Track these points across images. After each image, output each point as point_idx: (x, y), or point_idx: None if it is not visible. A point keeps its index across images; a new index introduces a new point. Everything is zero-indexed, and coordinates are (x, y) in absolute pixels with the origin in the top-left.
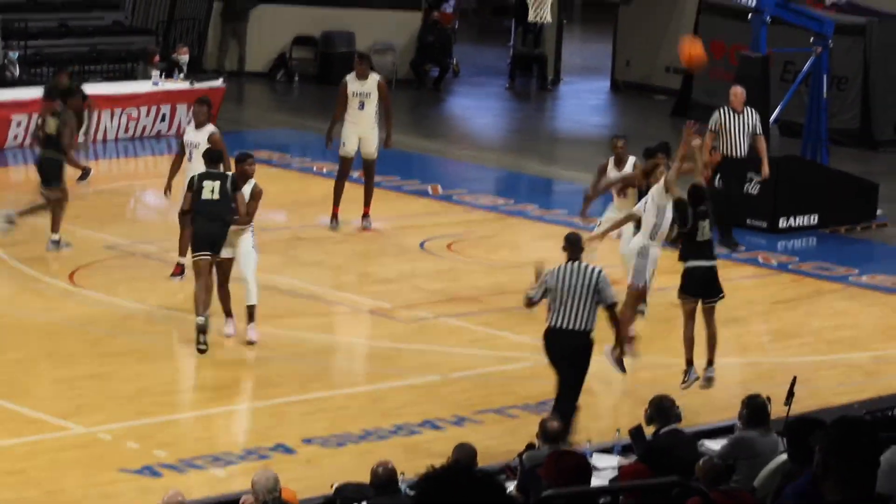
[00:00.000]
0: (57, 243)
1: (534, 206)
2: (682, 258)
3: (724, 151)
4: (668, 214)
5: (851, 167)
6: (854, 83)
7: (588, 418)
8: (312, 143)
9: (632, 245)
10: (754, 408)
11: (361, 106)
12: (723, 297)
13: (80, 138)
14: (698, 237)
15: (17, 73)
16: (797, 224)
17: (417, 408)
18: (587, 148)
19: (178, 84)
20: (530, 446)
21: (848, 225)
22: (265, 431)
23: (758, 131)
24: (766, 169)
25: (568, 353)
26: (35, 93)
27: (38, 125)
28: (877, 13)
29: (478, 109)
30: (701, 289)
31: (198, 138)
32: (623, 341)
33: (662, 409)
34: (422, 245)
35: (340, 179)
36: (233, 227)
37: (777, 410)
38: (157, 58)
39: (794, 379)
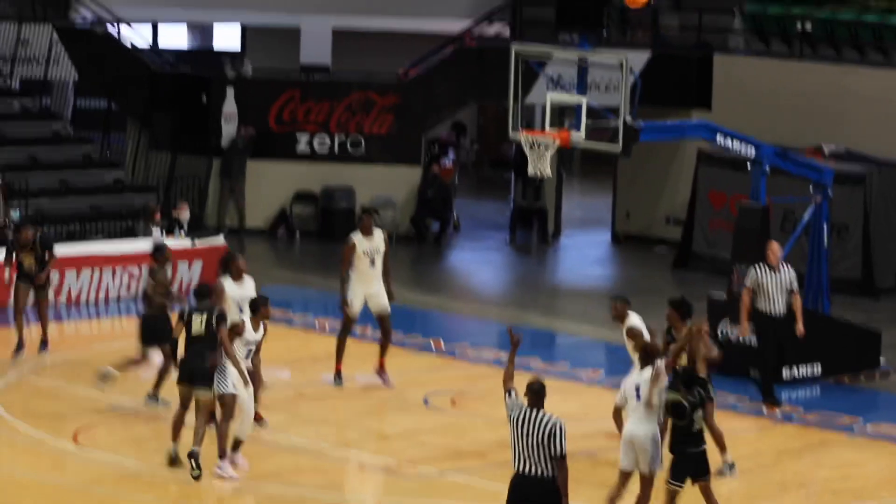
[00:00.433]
0: (155, 398)
1: (537, 360)
2: (675, 447)
3: (762, 308)
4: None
5: (854, 316)
6: (855, 232)
7: None
8: (314, 299)
9: (644, 433)
10: None
11: (372, 263)
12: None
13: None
14: (694, 428)
15: None
16: (801, 374)
17: None
18: (589, 300)
19: (180, 241)
20: None
21: (851, 374)
22: None
23: (794, 288)
24: (800, 327)
25: (532, 500)
26: None
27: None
28: (876, 162)
29: (479, 263)
30: (692, 473)
31: (244, 292)
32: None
33: None
34: (425, 400)
35: (344, 336)
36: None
37: None
38: (158, 215)
39: None
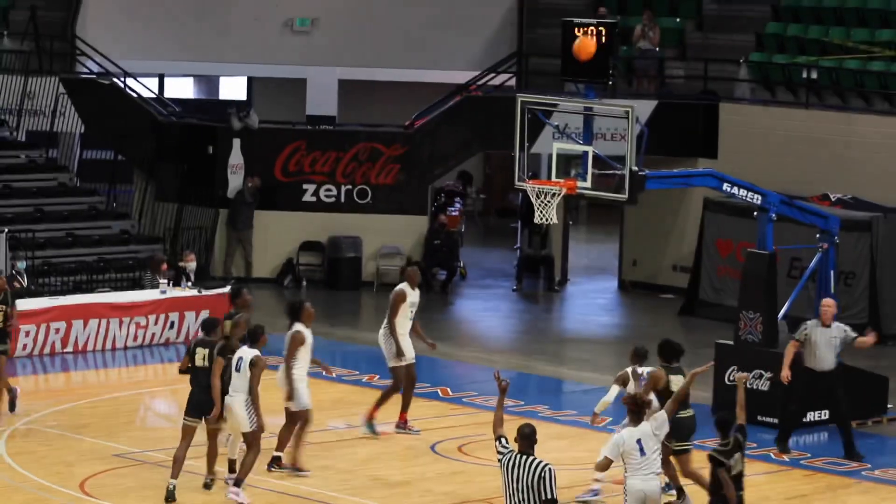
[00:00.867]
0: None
1: (544, 407)
2: (716, 492)
3: (809, 364)
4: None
5: (861, 362)
6: (861, 278)
7: None
8: (321, 347)
9: (656, 487)
10: None
11: (412, 315)
12: None
13: None
14: (732, 472)
15: (25, 283)
16: (808, 419)
17: None
18: (596, 348)
19: (186, 291)
20: None
21: (859, 420)
22: None
23: (847, 340)
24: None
25: None
26: (43, 303)
27: None
28: (882, 208)
29: (486, 312)
30: None
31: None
32: None
33: None
34: (433, 448)
35: (397, 390)
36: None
37: None
38: (165, 266)
39: None
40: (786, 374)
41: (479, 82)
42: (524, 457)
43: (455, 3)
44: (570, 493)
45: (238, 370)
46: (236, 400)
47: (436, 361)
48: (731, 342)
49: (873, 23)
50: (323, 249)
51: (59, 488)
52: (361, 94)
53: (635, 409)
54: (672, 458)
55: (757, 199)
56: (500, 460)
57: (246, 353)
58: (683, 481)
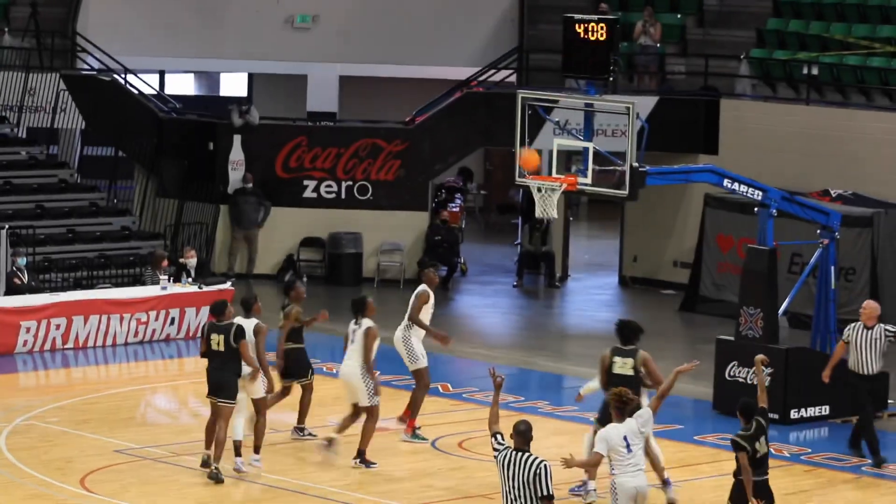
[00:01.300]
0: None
1: (545, 403)
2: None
3: (852, 367)
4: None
5: None
6: (862, 274)
7: None
8: (322, 343)
9: (646, 483)
10: None
11: (430, 317)
12: None
13: None
14: (757, 455)
15: (26, 279)
16: (808, 415)
17: None
18: (596, 344)
19: (187, 288)
20: None
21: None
22: None
23: (887, 345)
24: None
25: None
26: (44, 299)
27: None
28: (883, 204)
29: (486, 308)
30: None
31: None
32: None
33: None
34: (433, 443)
35: (426, 390)
36: (247, 372)
37: None
38: (165, 262)
39: None
40: (826, 373)
41: (480, 78)
42: (520, 453)
43: None
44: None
45: (353, 342)
46: (355, 372)
47: (436, 357)
48: (731, 338)
49: (874, 19)
50: (324, 245)
51: (59, 484)
52: (362, 91)
53: (620, 407)
54: None
55: (757, 194)
56: (495, 457)
57: (246, 322)
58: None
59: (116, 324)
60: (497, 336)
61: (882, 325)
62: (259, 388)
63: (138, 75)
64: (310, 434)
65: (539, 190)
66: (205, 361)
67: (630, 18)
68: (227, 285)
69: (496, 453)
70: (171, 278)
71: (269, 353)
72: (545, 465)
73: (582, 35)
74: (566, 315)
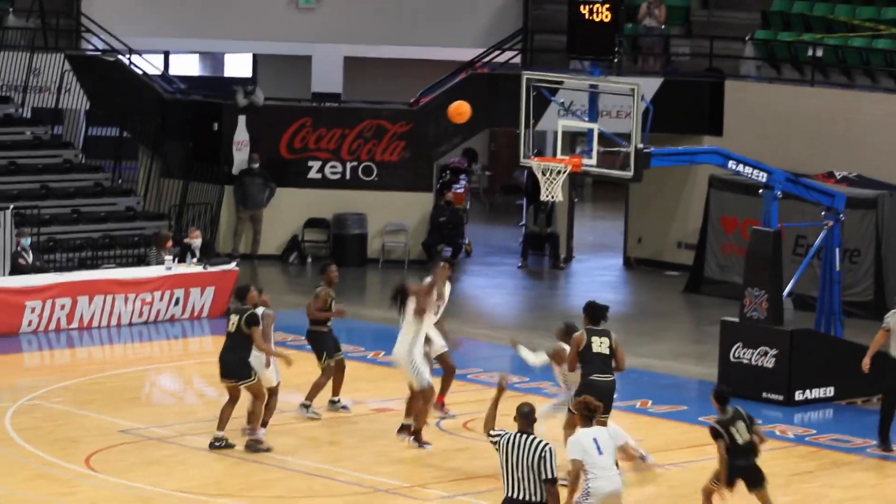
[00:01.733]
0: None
1: (549, 384)
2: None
3: (892, 353)
4: None
5: (866, 339)
6: (867, 256)
7: None
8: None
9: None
10: None
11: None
12: None
13: None
14: (737, 442)
15: (31, 259)
16: (813, 396)
17: None
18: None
19: (191, 268)
20: None
21: (864, 397)
22: None
23: None
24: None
25: None
26: (49, 279)
27: None
28: (888, 186)
29: (491, 288)
30: (747, 484)
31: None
32: None
33: None
34: (438, 424)
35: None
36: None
37: None
38: (170, 242)
39: None
40: (866, 362)
41: (485, 59)
42: (524, 436)
43: None
44: None
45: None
46: (401, 356)
47: None
48: (736, 319)
49: (879, 1)
50: (328, 226)
51: (64, 464)
52: (367, 72)
53: (588, 415)
54: None
55: (762, 176)
56: (496, 443)
57: (258, 310)
58: None
59: (121, 304)
60: (501, 317)
61: None
62: (272, 377)
63: (143, 56)
64: (314, 413)
65: (543, 172)
66: (209, 342)
67: (635, 0)
68: (232, 265)
69: (496, 439)
70: (176, 258)
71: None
72: (550, 449)
73: (587, 16)
74: (571, 296)
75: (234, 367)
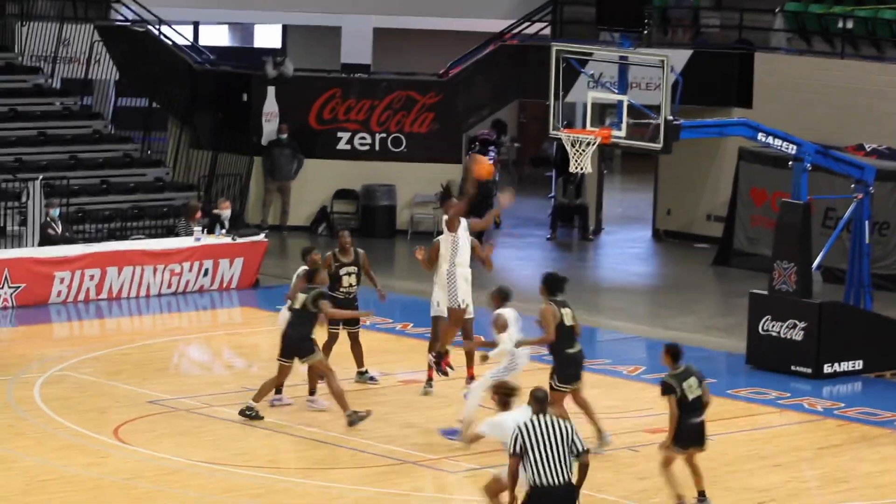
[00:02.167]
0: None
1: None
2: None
3: None
4: None
5: (895, 312)
6: None
7: None
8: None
9: None
10: None
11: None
12: None
13: None
14: (688, 398)
15: (60, 230)
16: (842, 369)
17: None
18: (629, 297)
19: (220, 239)
20: None
21: (893, 370)
22: None
23: None
24: None
25: None
26: (78, 250)
27: None
28: None
29: (520, 260)
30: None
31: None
32: None
33: None
34: (465, 395)
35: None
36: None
37: None
38: (199, 213)
39: None
40: None
41: (515, 31)
42: (542, 417)
43: None
44: (614, 441)
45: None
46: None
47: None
48: (765, 292)
49: None
50: (357, 198)
51: (93, 434)
52: (396, 43)
53: (507, 400)
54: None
55: (792, 148)
56: (517, 438)
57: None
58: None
59: (150, 275)
60: (530, 289)
61: None
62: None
63: (172, 26)
64: (371, 378)
65: (573, 144)
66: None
67: None
68: (261, 237)
69: (517, 434)
70: (205, 229)
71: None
72: (572, 424)
73: None
74: (599, 268)
75: (296, 343)
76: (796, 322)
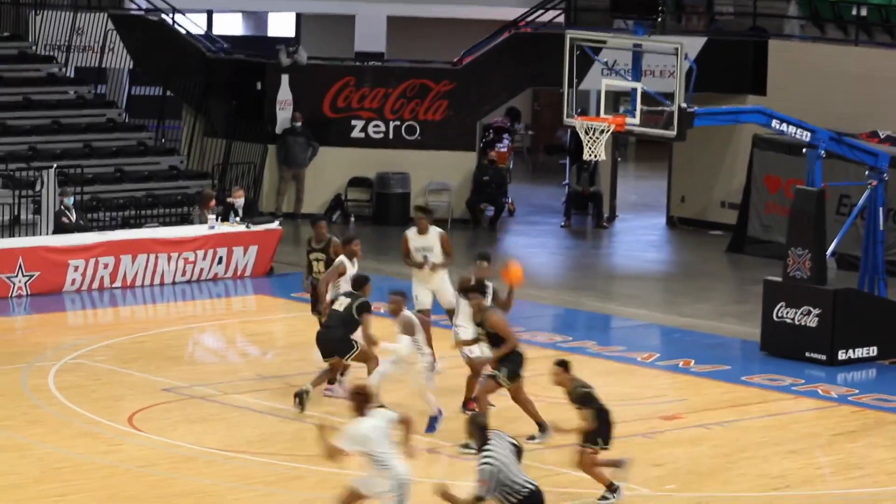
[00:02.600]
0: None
1: (592, 343)
2: None
3: None
4: None
5: None
6: None
7: None
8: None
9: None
10: None
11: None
12: None
13: None
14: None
15: (74, 218)
16: (856, 356)
17: None
18: (644, 284)
19: (235, 227)
20: None
21: None
22: None
23: None
24: None
25: None
26: (92, 238)
27: None
28: None
29: (534, 248)
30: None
31: (428, 242)
32: None
33: None
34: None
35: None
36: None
37: None
38: (213, 202)
39: None
40: None
41: (528, 19)
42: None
43: None
44: (629, 428)
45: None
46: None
47: None
48: (779, 279)
49: None
50: (371, 185)
51: (107, 422)
52: (410, 31)
53: (362, 403)
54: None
55: (806, 135)
56: (491, 474)
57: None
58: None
59: (164, 263)
60: (545, 276)
61: None
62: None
63: (186, 15)
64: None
65: (587, 131)
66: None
67: None
68: (275, 224)
69: (486, 465)
70: (219, 217)
71: None
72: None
73: None
74: (614, 255)
75: (335, 344)
76: (811, 309)
